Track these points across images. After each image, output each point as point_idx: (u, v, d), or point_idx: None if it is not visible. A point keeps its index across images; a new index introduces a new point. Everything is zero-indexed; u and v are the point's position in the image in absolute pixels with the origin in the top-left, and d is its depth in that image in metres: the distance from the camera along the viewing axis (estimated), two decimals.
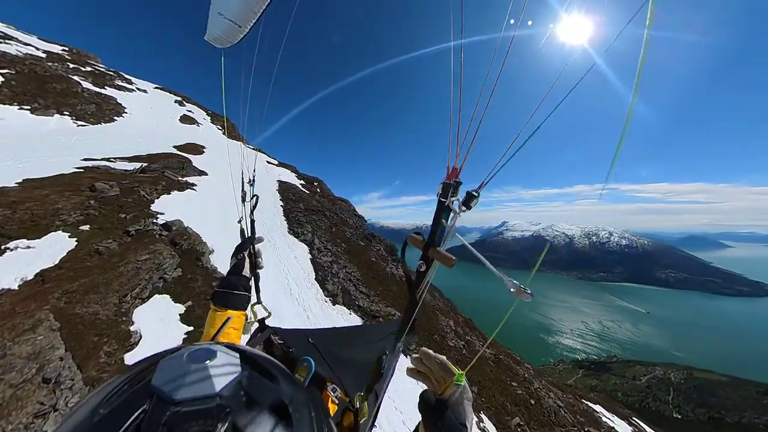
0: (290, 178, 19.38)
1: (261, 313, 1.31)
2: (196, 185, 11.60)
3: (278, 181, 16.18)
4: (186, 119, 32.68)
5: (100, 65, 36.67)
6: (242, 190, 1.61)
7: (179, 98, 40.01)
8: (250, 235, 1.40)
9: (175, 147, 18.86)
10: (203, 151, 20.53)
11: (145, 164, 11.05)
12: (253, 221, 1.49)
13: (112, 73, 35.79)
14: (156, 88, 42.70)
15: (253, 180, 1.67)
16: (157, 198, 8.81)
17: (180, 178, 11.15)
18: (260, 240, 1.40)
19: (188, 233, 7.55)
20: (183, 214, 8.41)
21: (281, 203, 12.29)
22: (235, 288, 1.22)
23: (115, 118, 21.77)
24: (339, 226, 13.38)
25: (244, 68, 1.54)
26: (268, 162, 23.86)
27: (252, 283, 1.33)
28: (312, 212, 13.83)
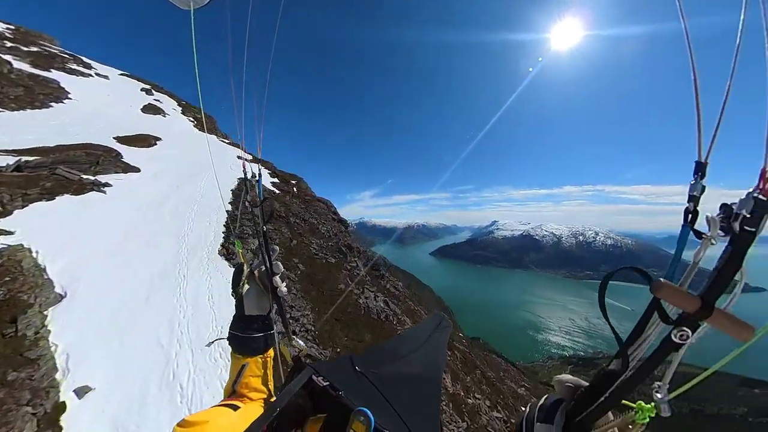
0: (262, 175, 16.92)
1: (295, 346, 1.13)
2: (109, 186, 9.06)
3: (241, 178, 13.76)
4: (150, 109, 29.51)
5: (55, 47, 32.86)
6: (246, 191, 1.28)
7: (148, 87, 36.62)
8: (265, 251, 1.10)
9: (116, 138, 16.06)
10: (154, 143, 17.76)
11: (33, 158, 8.42)
12: (266, 235, 1.16)
13: (66, 56, 32.06)
14: (121, 74, 39.08)
15: (259, 177, 1.28)
16: (22, 207, 6.28)
17: (84, 177, 8.58)
18: (274, 251, 1.12)
19: (18, 270, 4.80)
20: (52, 230, 5.93)
21: (228, 209, 9.80)
22: (245, 330, 1.05)
23: (52, 104, 18.76)
24: (303, 238, 10.62)
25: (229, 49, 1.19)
26: (240, 157, 21.15)
27: (274, 313, 1.10)
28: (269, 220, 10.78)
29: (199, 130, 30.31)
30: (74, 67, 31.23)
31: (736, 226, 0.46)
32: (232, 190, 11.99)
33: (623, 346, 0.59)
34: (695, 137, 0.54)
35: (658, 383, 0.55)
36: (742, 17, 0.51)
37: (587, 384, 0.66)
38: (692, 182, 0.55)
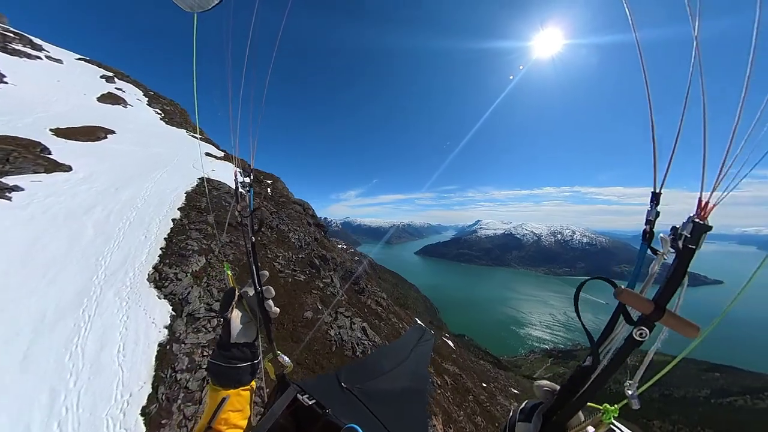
0: (229, 174, 14.88)
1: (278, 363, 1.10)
2: (19, 189, 7.12)
3: (201, 178, 11.81)
4: (109, 98, 26.48)
5: None
6: (236, 202, 1.18)
7: (110, 74, 33.13)
8: (255, 268, 1.07)
9: (53, 130, 13.72)
10: (103, 137, 15.46)
11: None
12: (254, 251, 1.12)
13: (11, 35, 28.32)
14: (79, 59, 35.25)
15: (250, 185, 1.19)
16: None
17: None
18: (269, 288, 1.06)
19: None
20: None
21: (175, 216, 8.05)
22: (230, 359, 0.97)
23: None
24: (268, 250, 9.19)
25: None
26: (208, 154, 19.04)
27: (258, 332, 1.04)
28: (225, 231, 8.51)
29: (167, 122, 27.62)
30: (19, 47, 27.62)
31: (680, 244, 0.57)
32: (187, 193, 10.15)
33: (594, 345, 0.67)
34: (651, 173, 0.64)
35: (629, 381, 0.65)
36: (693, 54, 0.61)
37: (562, 385, 0.73)
38: (648, 209, 0.65)
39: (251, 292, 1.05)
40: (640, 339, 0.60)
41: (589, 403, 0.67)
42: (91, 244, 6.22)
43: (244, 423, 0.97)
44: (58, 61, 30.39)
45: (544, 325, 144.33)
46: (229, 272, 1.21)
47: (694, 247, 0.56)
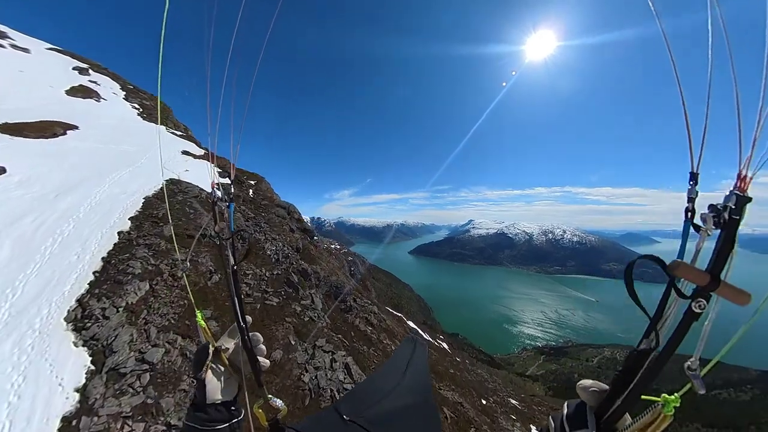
0: (204, 175, 13.26)
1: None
2: None
3: (171, 180, 10.38)
4: (80, 91, 24.51)
5: None
6: (215, 222, 0.99)
7: (85, 65, 30.92)
8: (238, 307, 0.92)
9: None
10: (61, 133, 13.87)
11: None
12: (236, 280, 0.95)
13: None
14: (50, 49, 32.88)
15: (231, 198, 1.02)
16: None
17: None
18: (256, 335, 0.96)
19: None
20: None
21: (123, 228, 6.64)
22: (206, 422, 0.88)
23: None
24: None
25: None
26: (186, 152, 17.45)
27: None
28: (186, 245, 7.12)
29: (145, 117, 25.75)
30: None
31: (726, 215, 0.59)
32: (146, 198, 8.73)
33: (652, 322, 0.65)
34: (688, 153, 0.66)
35: (691, 360, 0.62)
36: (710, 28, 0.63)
37: (615, 376, 0.69)
38: (689, 188, 0.67)
39: (230, 344, 0.95)
40: (699, 311, 0.59)
41: (643, 396, 0.65)
42: (2, 270, 4.88)
43: None
44: (25, 50, 28.17)
45: (536, 322, 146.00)
46: (202, 323, 0.99)
47: (738, 217, 0.59)
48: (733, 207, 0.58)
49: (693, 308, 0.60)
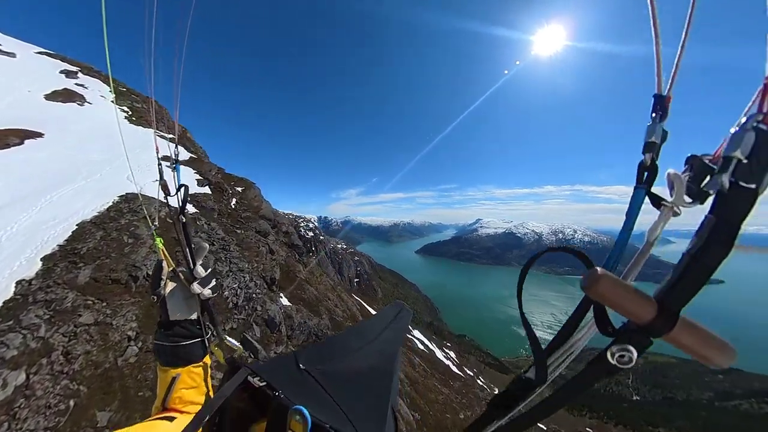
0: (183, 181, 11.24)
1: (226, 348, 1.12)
2: None
3: (125, 195, 8.54)
4: (61, 95, 23.26)
5: None
6: (160, 176, 1.20)
7: (74, 68, 29.84)
8: (185, 242, 1.06)
9: None
10: (17, 143, 12.41)
11: None
12: (186, 225, 1.09)
13: None
14: (40, 53, 32.00)
15: (176, 159, 1.19)
16: None
17: None
18: (201, 249, 1.07)
19: None
20: None
21: (27, 276, 4.91)
22: (173, 338, 0.97)
23: None
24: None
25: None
26: (166, 157, 15.78)
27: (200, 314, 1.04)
28: (106, 295, 5.24)
29: (133, 121, 24.36)
30: None
31: (725, 179, 0.28)
32: (81, 224, 6.99)
33: (542, 353, 0.46)
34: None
35: None
36: None
37: (491, 400, 0.54)
38: (649, 123, 0.40)
39: (198, 256, 1.05)
40: (619, 365, 0.34)
41: None
42: None
43: (201, 398, 0.97)
44: (11, 54, 27.22)
45: (545, 325, 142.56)
46: (161, 245, 1.15)
47: (754, 186, 0.27)
48: (744, 160, 0.27)
49: (609, 357, 0.35)
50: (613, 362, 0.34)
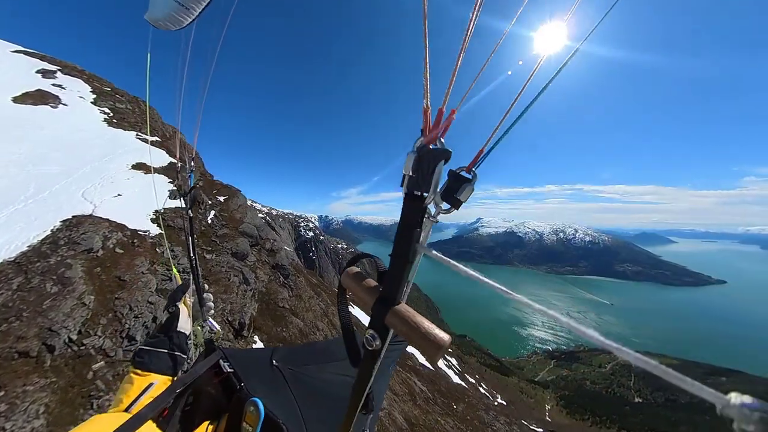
0: (144, 202, 8.63)
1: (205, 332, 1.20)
2: None
3: (67, 221, 6.01)
4: (32, 97, 22.19)
5: None
6: (178, 182, 1.03)
7: (54, 68, 29.04)
8: (191, 250, 1.27)
9: None
10: None
11: None
12: (191, 225, 1.33)
13: None
14: (16, 51, 31.21)
15: (191, 167, 1.45)
16: None
17: None
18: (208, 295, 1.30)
19: None
20: None
21: None
22: (162, 346, 1.02)
23: None
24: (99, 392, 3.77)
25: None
26: (140, 165, 14.44)
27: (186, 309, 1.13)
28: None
29: (113, 123, 23.63)
30: None
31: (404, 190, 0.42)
32: (7, 268, 4.35)
33: (347, 339, 0.52)
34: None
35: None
36: None
37: None
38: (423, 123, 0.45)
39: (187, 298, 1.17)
40: (370, 347, 0.42)
41: None
42: None
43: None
44: None
45: (546, 325, 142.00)
46: (175, 271, 1.32)
47: (419, 193, 0.39)
48: (412, 175, 0.38)
49: (366, 344, 0.42)
50: (368, 347, 0.43)
